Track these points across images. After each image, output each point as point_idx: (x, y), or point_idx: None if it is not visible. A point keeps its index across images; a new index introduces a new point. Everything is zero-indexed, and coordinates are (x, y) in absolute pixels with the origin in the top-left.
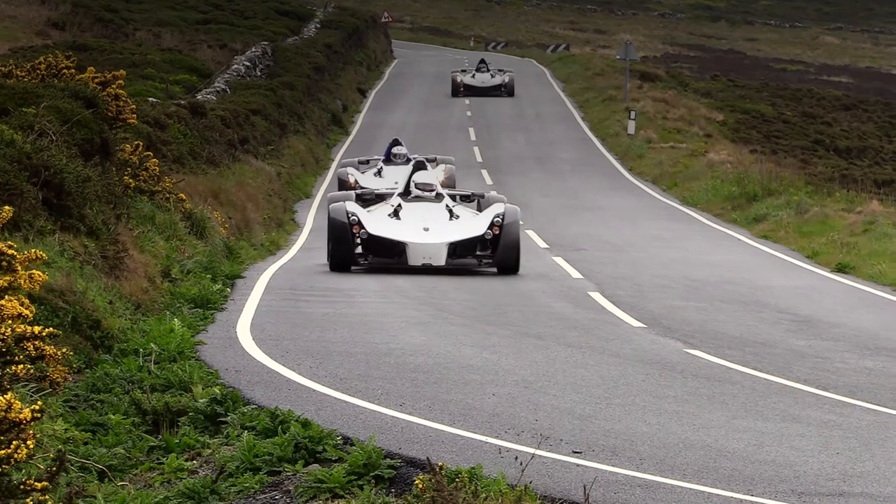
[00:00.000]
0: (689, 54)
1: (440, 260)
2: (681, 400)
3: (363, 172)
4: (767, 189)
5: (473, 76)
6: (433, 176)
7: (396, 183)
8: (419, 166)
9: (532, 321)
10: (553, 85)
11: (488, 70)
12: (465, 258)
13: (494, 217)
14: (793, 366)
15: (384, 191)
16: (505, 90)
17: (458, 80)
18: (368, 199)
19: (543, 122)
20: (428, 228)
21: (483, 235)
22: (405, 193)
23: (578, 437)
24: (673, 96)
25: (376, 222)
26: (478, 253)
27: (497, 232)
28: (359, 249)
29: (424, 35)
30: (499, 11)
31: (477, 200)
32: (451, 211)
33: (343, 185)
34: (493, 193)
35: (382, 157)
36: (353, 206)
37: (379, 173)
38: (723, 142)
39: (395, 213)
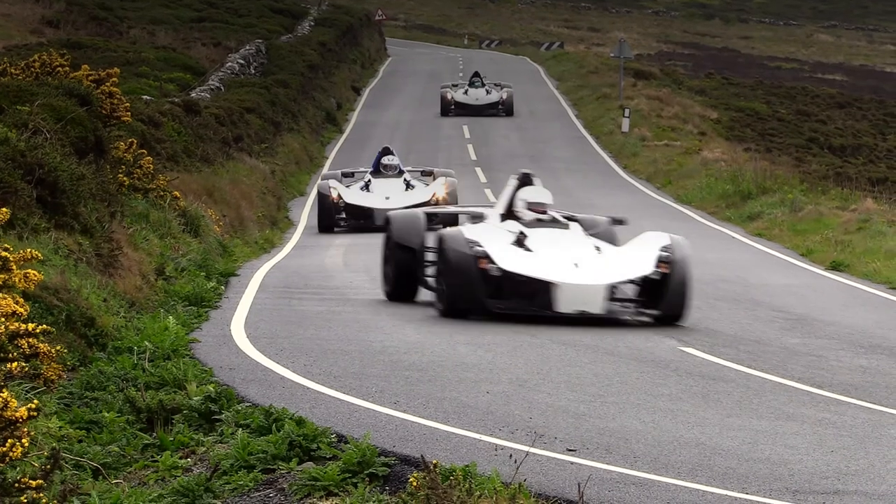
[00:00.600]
0: (684, 52)
1: (596, 307)
2: (675, 398)
3: (348, 186)
4: (762, 187)
5: (466, 92)
6: (546, 193)
7: (388, 198)
8: (525, 180)
9: (526, 319)
10: (547, 83)
11: (483, 85)
12: (617, 305)
13: (661, 251)
14: (787, 364)
15: (456, 210)
16: (503, 108)
17: (449, 96)
18: (438, 219)
19: (537, 121)
20: (578, 265)
21: (650, 276)
22: (510, 215)
23: (573, 434)
24: (667, 94)
25: (506, 255)
26: (631, 296)
27: (666, 270)
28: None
29: (418, 33)
30: (493, 9)
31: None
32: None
33: (324, 199)
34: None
35: (370, 169)
36: (472, 232)
37: (367, 187)
38: (717, 140)
39: (520, 243)
